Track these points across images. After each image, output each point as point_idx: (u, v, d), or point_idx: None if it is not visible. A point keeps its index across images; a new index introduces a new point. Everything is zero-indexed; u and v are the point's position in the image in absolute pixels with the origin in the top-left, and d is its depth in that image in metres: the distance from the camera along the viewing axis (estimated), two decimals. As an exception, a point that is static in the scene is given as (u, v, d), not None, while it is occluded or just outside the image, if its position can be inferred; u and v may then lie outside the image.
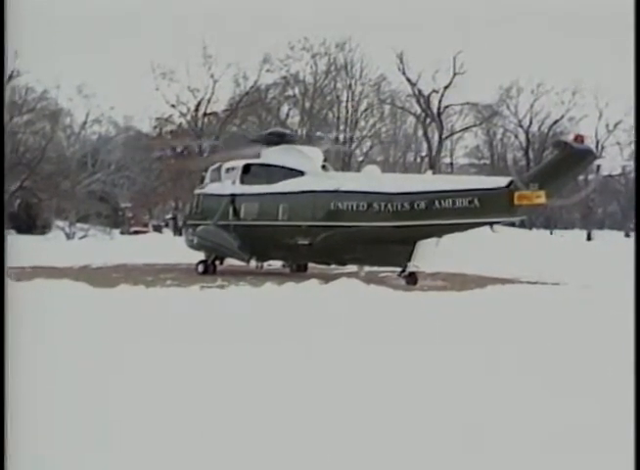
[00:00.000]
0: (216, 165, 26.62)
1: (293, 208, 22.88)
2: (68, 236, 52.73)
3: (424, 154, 73.37)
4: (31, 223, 54.66)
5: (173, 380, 6.93)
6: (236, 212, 24.31)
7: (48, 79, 57.40)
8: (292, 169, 23.78)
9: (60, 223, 55.72)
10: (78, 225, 54.88)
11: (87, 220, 57.03)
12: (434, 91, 68.19)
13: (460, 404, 6.25)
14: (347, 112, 69.32)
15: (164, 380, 6.93)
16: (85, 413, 5.84)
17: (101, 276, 21.07)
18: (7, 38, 6.29)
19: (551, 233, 68.99)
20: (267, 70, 63.49)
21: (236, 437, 5.37)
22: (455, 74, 66.38)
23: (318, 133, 64.86)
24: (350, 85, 68.79)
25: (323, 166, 24.80)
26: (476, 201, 19.62)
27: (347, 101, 69.28)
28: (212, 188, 25.66)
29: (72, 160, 59.34)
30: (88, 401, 6.16)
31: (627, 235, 69.87)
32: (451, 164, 78.68)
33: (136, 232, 62.01)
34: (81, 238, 52.13)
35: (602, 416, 5.95)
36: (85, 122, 62.54)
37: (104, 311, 11.27)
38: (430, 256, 20.93)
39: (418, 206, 20.37)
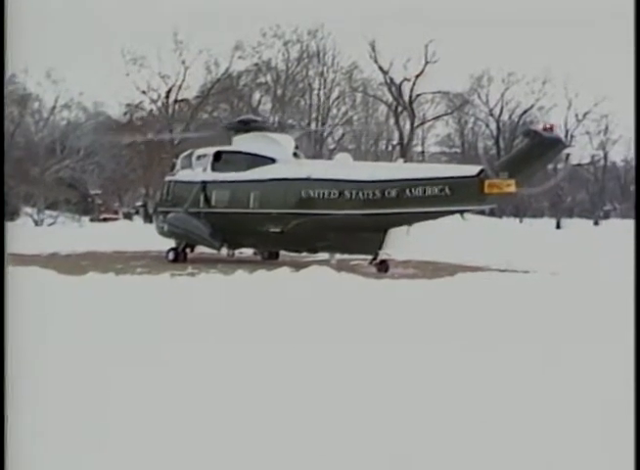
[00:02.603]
0: (187, 152, 26.47)
1: (264, 195, 22.81)
2: (37, 223, 52.10)
3: (395, 142, 73.59)
4: (-1, 210, 53.84)
5: (146, 368, 6.90)
6: (207, 200, 24.19)
7: (16, 63, 56.51)
8: (263, 157, 23.70)
9: (28, 210, 55.01)
10: (47, 212, 54.22)
11: (56, 207, 56.32)
12: (405, 80, 68.35)
13: (431, 391, 6.29)
14: (319, 99, 69.23)
15: (137, 368, 6.89)
16: (72, 404, 5.79)
17: (70, 264, 20.87)
18: (6, 34, 6.18)
19: (521, 221, 69.53)
20: (239, 57, 63.22)
21: (213, 424, 5.36)
22: (427, 63, 66.57)
23: (290, 121, 64.73)
24: (322, 73, 68.71)
25: (294, 154, 24.74)
26: (446, 189, 19.70)
27: (319, 89, 69.22)
28: (183, 175, 25.50)
29: (41, 145, 58.57)
30: (63, 393, 6.10)
31: (596, 223, 70.68)
32: (422, 152, 78.90)
33: (106, 219, 61.41)
34: (50, 225, 51.53)
35: (586, 403, 6.02)
36: (54, 108, 61.73)
37: (72, 299, 11.17)
38: (401, 243, 21.01)
39: (389, 194, 20.41)
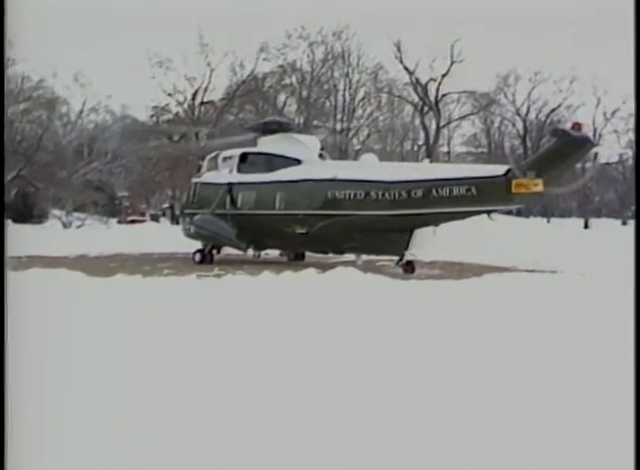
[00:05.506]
0: (213, 154, 26.57)
1: (290, 196, 22.84)
2: (65, 225, 52.66)
3: (421, 142, 73.47)
4: (28, 213, 54.56)
5: (173, 369, 6.91)
6: (233, 201, 24.26)
7: (44, 68, 57.18)
8: (289, 158, 23.73)
9: (56, 212, 55.62)
10: (75, 214, 54.80)
11: (84, 209, 56.96)
12: (431, 79, 68.25)
13: (457, 394, 6.24)
14: (345, 100, 69.27)
15: (164, 370, 6.91)
16: (87, 407, 5.81)
17: (98, 265, 21.05)
18: (6, 31, 6.24)
19: (548, 221, 69.02)
20: (264, 59, 63.46)
21: (234, 433, 5.35)
22: (453, 63, 66.41)
23: (315, 122, 64.83)
24: (347, 74, 68.75)
25: (320, 155, 24.75)
26: (473, 189, 19.59)
27: (345, 89, 69.26)
28: (209, 177, 25.61)
29: (69, 148, 59.16)
30: (90, 394, 6.13)
31: (624, 223, 69.94)
32: (448, 152, 78.73)
33: (133, 221, 61.95)
34: (78, 227, 52.06)
35: (600, 407, 5.94)
36: (82, 111, 62.36)
37: (100, 301, 11.24)
38: (427, 244, 20.91)
39: (415, 194, 20.35)
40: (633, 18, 6.48)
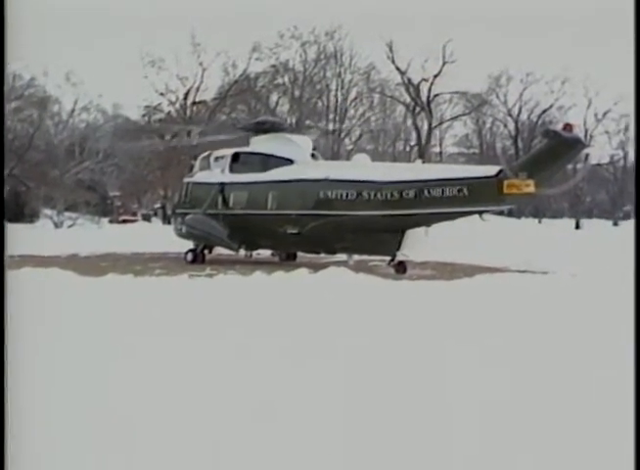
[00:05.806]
0: (205, 154, 26.55)
1: (282, 196, 22.83)
2: (57, 225, 52.49)
3: (413, 143, 73.54)
4: (19, 212, 54.33)
5: (165, 368, 6.90)
6: (225, 201, 24.25)
7: (36, 66, 56.98)
8: (281, 158, 23.73)
9: (48, 212, 55.44)
10: (66, 214, 54.62)
11: (75, 209, 56.77)
12: (423, 80, 68.28)
13: (449, 394, 6.25)
14: (337, 100, 69.29)
15: (157, 369, 6.90)
16: (79, 408, 5.80)
17: (89, 265, 20.99)
18: (7, 31, 6.23)
19: (539, 222, 69.20)
20: (256, 59, 63.40)
21: (230, 434, 5.36)
22: (445, 63, 66.47)
23: (307, 122, 64.81)
24: (340, 74, 68.78)
25: (312, 155, 24.75)
26: (465, 190, 19.63)
27: (337, 90, 69.29)
28: (201, 176, 25.58)
29: (61, 148, 58.98)
30: (82, 394, 6.12)
31: (615, 224, 70.18)
32: (440, 152, 78.82)
33: (125, 221, 61.81)
34: (69, 227, 51.90)
35: (594, 406, 5.97)
36: (73, 110, 62.16)
37: (92, 300, 11.22)
38: (419, 244, 20.94)
39: (407, 194, 20.37)
40: (633, 18, 6.48)
